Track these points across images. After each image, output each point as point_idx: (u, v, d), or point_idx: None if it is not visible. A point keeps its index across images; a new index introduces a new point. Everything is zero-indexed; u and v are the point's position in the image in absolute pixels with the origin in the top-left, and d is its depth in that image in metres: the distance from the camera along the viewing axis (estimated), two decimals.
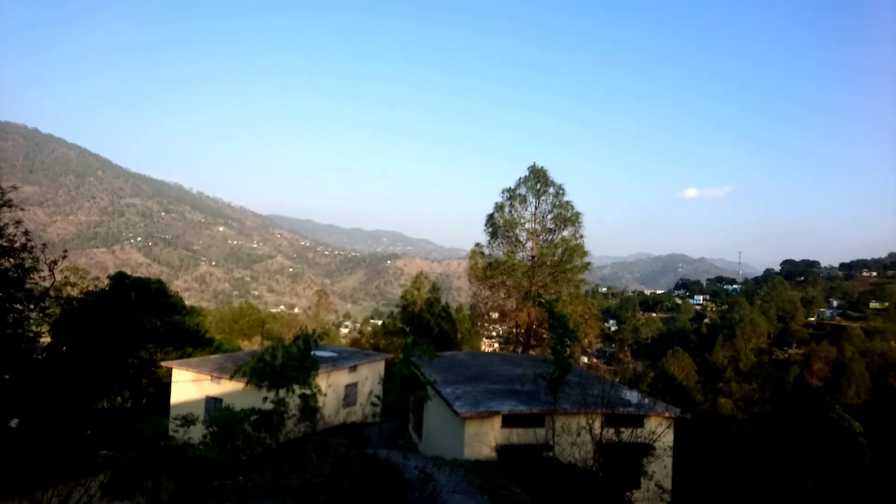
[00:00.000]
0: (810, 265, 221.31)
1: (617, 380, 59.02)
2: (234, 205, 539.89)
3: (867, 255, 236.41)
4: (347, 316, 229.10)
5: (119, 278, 39.08)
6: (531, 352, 38.14)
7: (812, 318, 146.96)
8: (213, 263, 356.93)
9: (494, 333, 52.22)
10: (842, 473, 20.74)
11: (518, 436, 16.42)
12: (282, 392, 14.24)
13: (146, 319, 37.59)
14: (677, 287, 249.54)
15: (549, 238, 38.87)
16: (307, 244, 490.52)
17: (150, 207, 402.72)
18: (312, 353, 15.43)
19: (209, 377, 26.03)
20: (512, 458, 15.87)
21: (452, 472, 10.97)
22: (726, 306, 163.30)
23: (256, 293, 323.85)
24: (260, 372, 14.53)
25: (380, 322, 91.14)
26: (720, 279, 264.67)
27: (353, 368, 29.64)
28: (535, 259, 38.17)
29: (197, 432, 16.38)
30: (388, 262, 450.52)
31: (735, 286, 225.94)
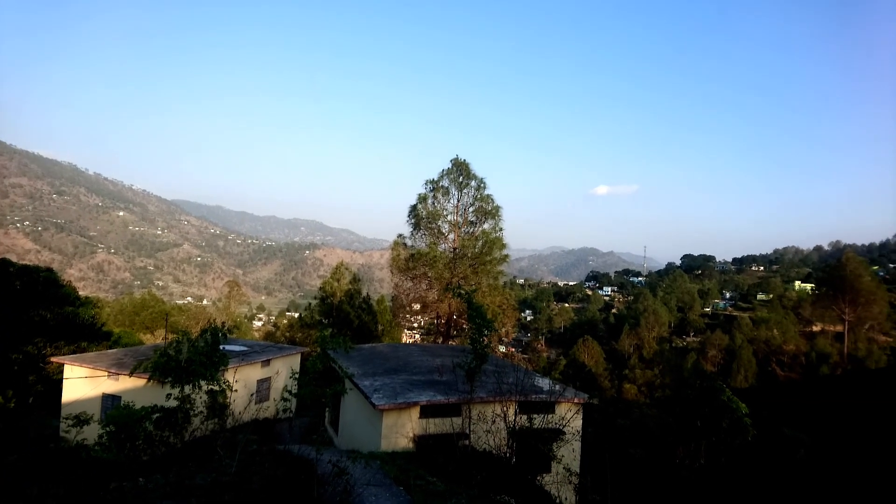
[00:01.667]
0: (707, 259, 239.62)
1: (531, 368, 61.20)
2: (136, 188, 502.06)
3: (756, 251, 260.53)
4: (261, 308, 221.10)
5: (1, 266, 35.27)
6: (452, 342, 38.61)
7: (707, 309, 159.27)
8: (112, 251, 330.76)
9: (416, 325, 52.33)
10: (729, 450, 22.75)
11: (435, 426, 16.57)
12: (187, 388, 13.46)
13: (34, 311, 34.22)
14: (588, 279, 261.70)
15: (471, 230, 39.40)
16: (217, 232, 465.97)
17: (39, 189, 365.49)
18: (222, 346, 14.70)
19: (106, 373, 24.19)
20: (429, 447, 15.99)
21: (368, 464, 10.89)
22: (632, 297, 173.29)
23: (161, 283, 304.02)
24: (163, 367, 13.65)
25: (297, 314, 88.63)
26: (627, 272, 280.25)
27: (267, 363, 28.66)
28: (457, 251, 38.57)
29: (92, 433, 15.19)
30: (307, 252, 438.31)
31: (640, 278, 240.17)
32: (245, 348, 30.20)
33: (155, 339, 51.47)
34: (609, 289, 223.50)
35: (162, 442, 14.29)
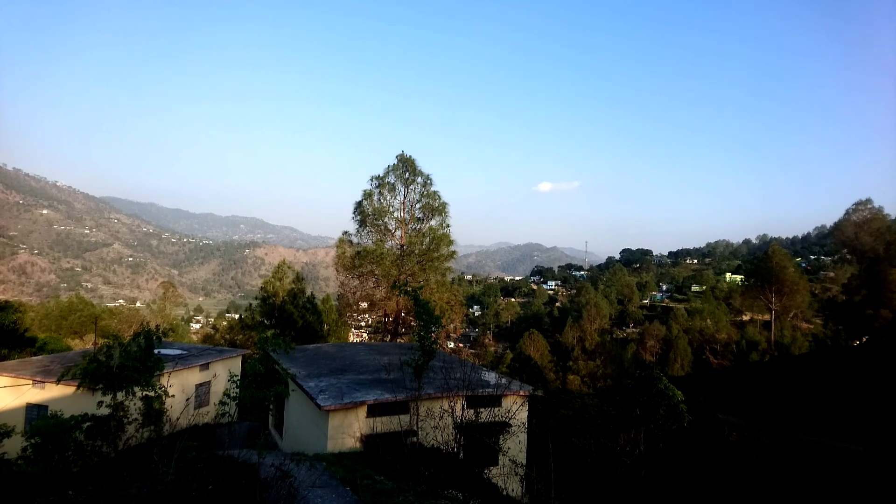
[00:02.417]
0: (644, 253, 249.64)
1: (479, 362, 61.85)
2: (61, 185, 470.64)
3: (690, 245, 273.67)
4: (199, 310, 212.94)
5: None
6: (400, 340, 38.46)
7: (646, 301, 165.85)
8: (36, 252, 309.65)
9: (363, 323, 51.81)
10: (666, 436, 23.78)
11: (383, 424, 16.47)
12: (120, 395, 12.82)
13: None
14: (533, 274, 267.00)
15: (418, 227, 39.32)
16: (150, 230, 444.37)
17: None
18: (156, 351, 14.09)
19: (30, 382, 22.69)
20: (377, 446, 15.87)
21: (313, 466, 10.67)
22: (575, 291, 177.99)
23: (89, 286, 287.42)
24: (93, 373, 12.94)
25: (237, 316, 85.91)
26: (570, 266, 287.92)
27: (205, 366, 27.69)
28: (404, 248, 38.42)
29: (15, 445, 14.19)
30: (247, 250, 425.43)
31: (582, 272, 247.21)
32: (182, 352, 29.04)
33: (84, 344, 48.65)
34: (553, 283, 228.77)
35: (94, 452, 13.53)
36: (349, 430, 16.15)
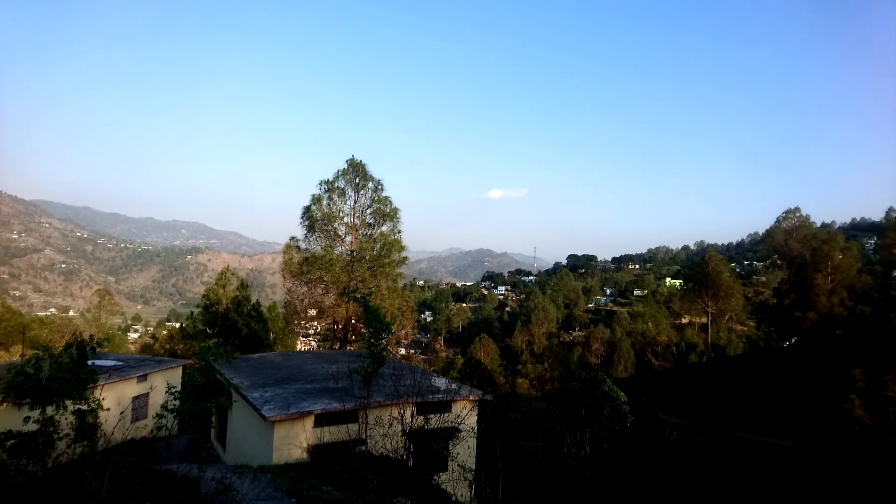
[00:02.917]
0: (590, 259, 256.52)
1: (430, 368, 61.83)
2: None
3: (632, 251, 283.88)
4: (137, 319, 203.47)
5: None
6: (350, 347, 37.92)
7: (591, 305, 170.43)
8: None
9: (312, 331, 50.75)
10: (610, 437, 24.50)
11: (331, 434, 16.21)
12: (50, 409, 12.04)
13: None
14: (484, 279, 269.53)
15: (369, 233, 38.95)
16: (85, 235, 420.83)
17: None
18: (90, 362, 13.32)
19: None
20: (325, 456, 15.59)
21: (257, 478, 10.38)
22: (524, 296, 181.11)
23: (18, 293, 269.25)
24: (19, 387, 12.07)
25: (178, 325, 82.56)
26: (519, 272, 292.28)
27: (143, 377, 26.49)
28: (355, 253, 37.95)
29: None
30: (189, 256, 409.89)
31: (531, 278, 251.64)
32: (118, 363, 27.67)
33: (11, 356, 45.46)
34: (503, 288, 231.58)
35: (19, 471, 12.64)
36: (296, 440, 15.80)
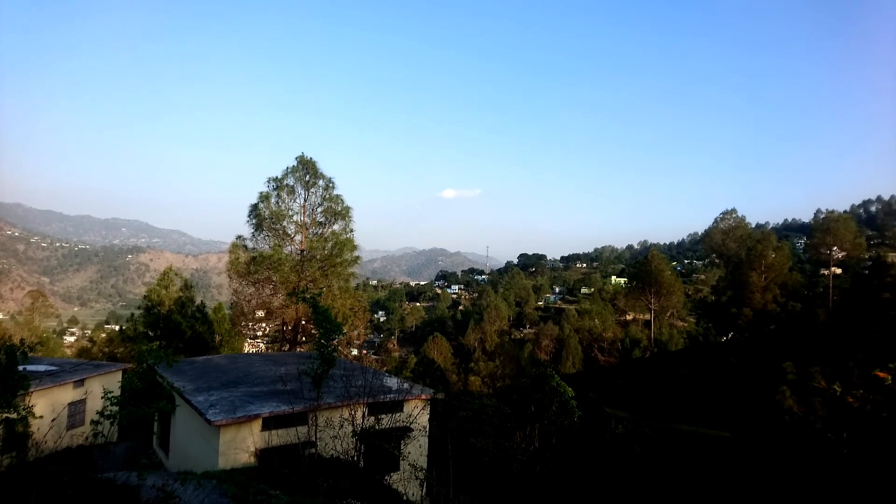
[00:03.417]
0: (540, 258, 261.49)
1: (384, 368, 61.47)
2: None
3: (580, 250, 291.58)
4: (74, 321, 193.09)
5: None
6: (300, 349, 37.22)
7: (541, 303, 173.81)
8: None
9: (260, 333, 49.54)
10: (558, 431, 25.10)
11: (279, 437, 15.91)
12: None
13: None
14: (438, 278, 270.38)
15: (320, 231, 38.29)
16: (16, 234, 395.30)
17: None
18: (21, 367, 12.57)
19: None
20: (273, 460, 15.32)
21: (201, 485, 10.09)
22: (477, 294, 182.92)
23: None
24: None
25: (118, 327, 78.89)
26: (472, 271, 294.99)
27: (80, 383, 25.22)
28: (305, 253, 37.23)
29: None
30: (130, 256, 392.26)
31: (484, 276, 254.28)
32: (53, 368, 26.23)
33: None
34: (457, 287, 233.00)
35: None
36: (243, 444, 15.43)
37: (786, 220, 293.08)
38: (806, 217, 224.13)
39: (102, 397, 9.49)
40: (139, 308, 47.08)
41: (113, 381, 27.44)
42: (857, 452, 25.96)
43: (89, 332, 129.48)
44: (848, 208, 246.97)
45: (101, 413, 9.16)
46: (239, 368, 22.36)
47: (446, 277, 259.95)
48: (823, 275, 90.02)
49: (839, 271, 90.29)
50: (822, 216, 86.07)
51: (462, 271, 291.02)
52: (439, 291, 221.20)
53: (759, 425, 37.21)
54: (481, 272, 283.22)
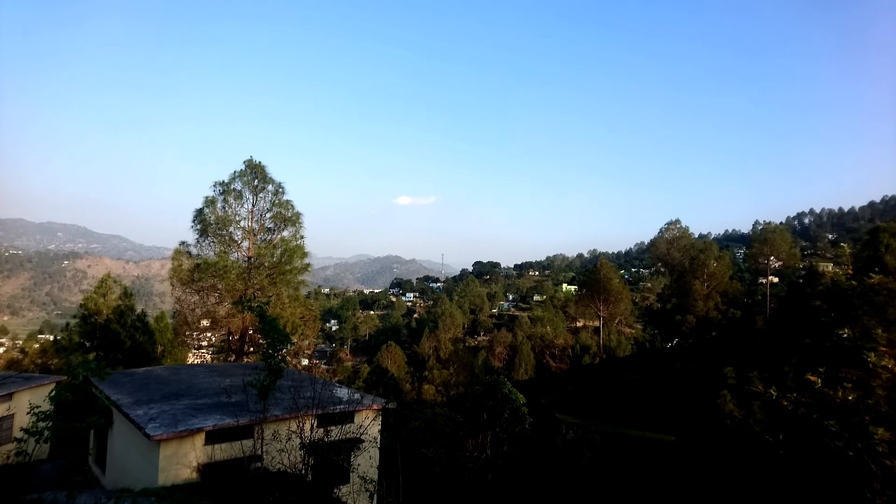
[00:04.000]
0: (494, 266, 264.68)
1: (334, 378, 60.44)
2: None
3: (533, 258, 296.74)
4: (4, 331, 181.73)
5: None
6: (247, 359, 36.09)
7: (495, 310, 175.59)
8: None
9: (205, 343, 47.81)
10: (510, 438, 25.33)
11: (224, 451, 15.35)
12: None
13: None
14: (392, 286, 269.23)
15: (268, 238, 37.34)
16: None
17: None
18: None
19: None
20: (217, 475, 14.76)
21: (137, 503, 9.60)
22: (432, 302, 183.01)
23: None
24: None
25: (52, 337, 74.63)
26: (427, 278, 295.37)
27: (8, 397, 23.61)
28: (252, 260, 36.20)
29: None
30: (66, 262, 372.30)
31: (439, 284, 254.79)
32: None
33: None
34: (412, 295, 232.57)
35: None
36: (184, 459, 14.81)
37: (727, 230, 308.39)
38: (745, 228, 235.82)
39: (28, 412, 8.93)
40: (75, 317, 44.64)
41: (44, 395, 25.86)
42: (791, 452, 27.36)
43: (20, 342, 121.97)
44: (784, 220, 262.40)
45: (25, 430, 8.61)
46: (181, 380, 21.51)
47: (401, 285, 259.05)
48: (761, 283, 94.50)
49: (776, 280, 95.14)
50: (760, 227, 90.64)
51: (417, 279, 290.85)
52: (394, 299, 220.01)
53: (702, 428, 38.67)
54: (436, 280, 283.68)
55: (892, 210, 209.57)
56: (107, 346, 40.32)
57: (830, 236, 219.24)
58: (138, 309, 46.52)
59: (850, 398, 11.62)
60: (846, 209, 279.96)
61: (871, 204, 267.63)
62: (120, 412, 16.37)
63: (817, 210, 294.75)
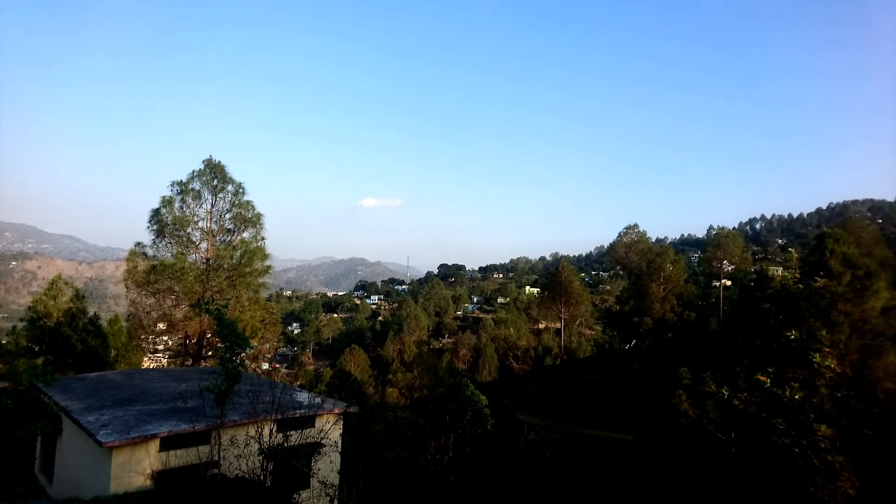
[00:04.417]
0: (459, 268, 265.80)
1: (297, 383, 59.61)
2: None
3: (497, 261, 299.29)
4: None
5: None
6: (205, 363, 35.29)
7: (459, 312, 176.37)
8: None
9: (161, 347, 46.39)
10: (472, 440, 25.56)
11: (179, 458, 15.06)
12: None
13: None
14: (357, 288, 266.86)
15: (228, 239, 36.64)
16: None
17: None
18: None
19: None
20: (172, 482, 14.47)
21: None
22: (397, 305, 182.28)
23: None
24: None
25: None
26: (392, 280, 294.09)
27: None
28: (211, 262, 35.45)
29: None
30: (14, 263, 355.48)
31: (404, 286, 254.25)
32: None
33: None
34: (376, 297, 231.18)
35: None
36: (138, 467, 14.46)
37: (682, 235, 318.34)
38: (700, 233, 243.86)
39: None
40: (23, 320, 42.66)
41: None
42: (742, 450, 28.48)
43: None
44: (737, 225, 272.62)
45: None
46: (136, 385, 20.93)
47: (366, 287, 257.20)
48: (715, 286, 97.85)
49: (729, 283, 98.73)
50: (714, 232, 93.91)
51: (382, 281, 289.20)
52: (358, 302, 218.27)
53: (659, 428, 39.84)
54: (402, 282, 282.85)
55: (837, 216, 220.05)
56: (57, 351, 38.75)
57: (780, 241, 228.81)
58: (91, 311, 44.86)
59: (796, 397, 12.16)
60: (795, 215, 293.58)
61: (819, 210, 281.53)
62: (69, 418, 15.85)
63: (768, 216, 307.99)
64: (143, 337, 38.49)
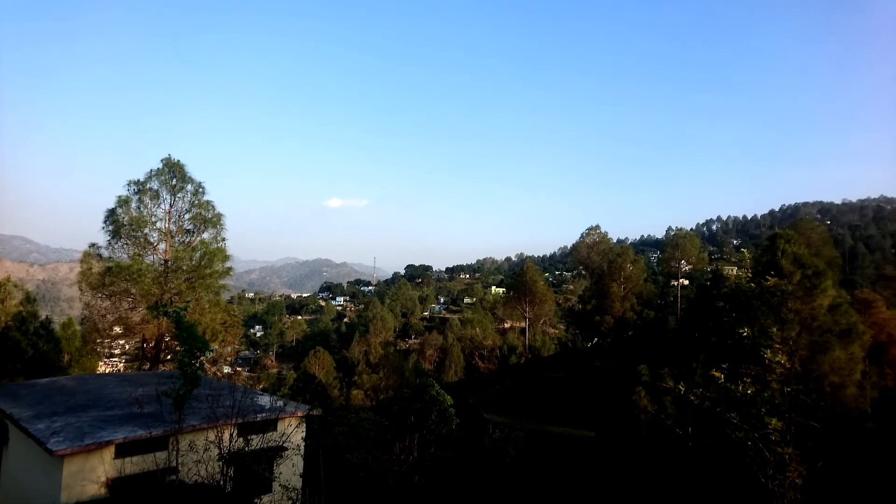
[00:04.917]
0: (426, 269, 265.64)
1: (260, 386, 58.61)
2: None
3: (464, 262, 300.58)
4: None
5: None
6: (163, 367, 34.40)
7: (426, 313, 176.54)
8: None
9: (117, 351, 44.95)
10: (437, 440, 25.75)
11: (136, 464, 14.72)
12: None
13: None
14: (322, 290, 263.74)
15: (187, 240, 35.80)
16: None
17: None
18: None
19: None
20: (129, 490, 14.14)
21: None
22: (363, 306, 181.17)
23: None
24: None
25: None
26: (359, 282, 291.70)
27: None
28: (170, 263, 34.56)
29: None
30: None
31: (370, 287, 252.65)
32: None
33: None
34: (342, 299, 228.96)
35: None
36: (92, 475, 14.07)
37: (642, 235, 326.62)
38: (659, 233, 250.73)
39: None
40: None
41: None
42: (698, 444, 29.51)
43: None
44: (694, 227, 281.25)
45: None
46: (90, 391, 20.31)
47: (331, 289, 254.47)
48: (673, 286, 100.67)
49: (686, 282, 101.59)
50: (673, 233, 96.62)
51: (348, 282, 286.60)
52: (323, 304, 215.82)
53: (620, 424, 40.84)
54: (368, 283, 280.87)
55: (789, 218, 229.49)
56: (4, 356, 37.07)
57: (735, 242, 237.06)
58: (43, 315, 43.06)
59: (748, 392, 12.70)
60: (749, 217, 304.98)
61: (772, 212, 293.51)
62: (17, 427, 15.29)
63: (724, 217, 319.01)
64: (98, 341, 37.25)
